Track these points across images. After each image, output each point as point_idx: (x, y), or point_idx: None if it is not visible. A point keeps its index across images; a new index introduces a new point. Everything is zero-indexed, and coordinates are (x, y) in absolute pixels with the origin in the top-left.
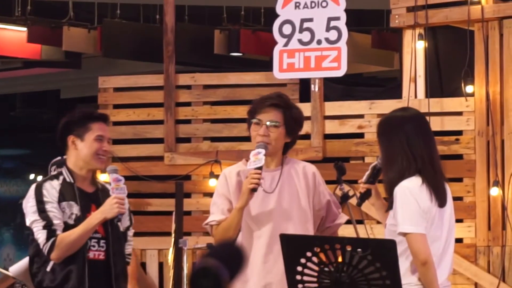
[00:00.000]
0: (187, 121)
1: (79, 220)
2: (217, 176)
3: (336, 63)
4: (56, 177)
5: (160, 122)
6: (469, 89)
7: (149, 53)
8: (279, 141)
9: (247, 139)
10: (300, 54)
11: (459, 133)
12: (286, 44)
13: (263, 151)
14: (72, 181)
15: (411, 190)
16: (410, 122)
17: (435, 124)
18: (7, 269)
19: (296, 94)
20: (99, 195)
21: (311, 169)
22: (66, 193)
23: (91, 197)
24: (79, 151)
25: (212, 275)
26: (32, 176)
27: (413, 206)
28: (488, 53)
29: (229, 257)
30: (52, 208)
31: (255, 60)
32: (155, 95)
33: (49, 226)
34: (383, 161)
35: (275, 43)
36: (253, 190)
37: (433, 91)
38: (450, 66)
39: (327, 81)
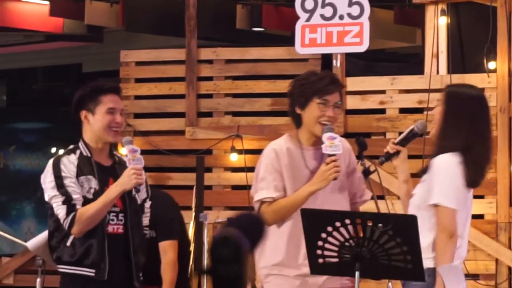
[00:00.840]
0: (209, 96)
1: (97, 194)
2: (238, 151)
3: (358, 39)
4: (73, 151)
5: (181, 96)
6: (491, 65)
7: (171, 27)
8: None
9: (269, 113)
10: (322, 29)
11: None
12: (308, 19)
13: (337, 136)
14: (89, 155)
15: (453, 165)
16: (476, 102)
17: None
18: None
19: (318, 69)
20: (116, 168)
21: (347, 145)
22: (84, 168)
23: (108, 170)
24: (92, 125)
25: (233, 244)
26: (53, 150)
27: (451, 181)
28: (510, 29)
29: (249, 226)
30: (70, 183)
31: (277, 35)
32: (177, 69)
33: (68, 201)
34: (440, 130)
35: (297, 18)
36: (335, 178)
37: (455, 67)
38: (472, 42)
39: (349, 57)
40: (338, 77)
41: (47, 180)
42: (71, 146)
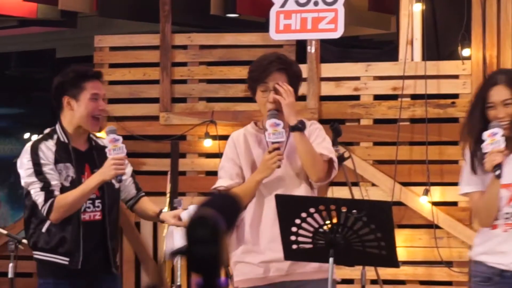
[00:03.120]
0: (183, 81)
1: (74, 182)
2: (212, 137)
3: (333, 25)
4: (50, 136)
5: (156, 82)
6: (465, 52)
7: (145, 12)
8: None
9: (243, 99)
10: (297, 15)
11: (456, 96)
12: (282, 5)
13: (281, 123)
14: (66, 141)
15: None
16: None
17: (431, 87)
18: (0, 228)
19: (293, 56)
20: (94, 153)
21: (312, 125)
22: (61, 155)
23: (85, 156)
24: (75, 111)
25: (209, 224)
26: (26, 135)
27: None
28: (485, 16)
29: (225, 206)
30: (49, 170)
31: (251, 21)
32: (151, 54)
33: (47, 188)
34: None
35: (271, 4)
36: (279, 167)
37: (429, 54)
38: (447, 29)
39: (323, 43)
40: (275, 58)
41: (24, 166)
42: (47, 130)
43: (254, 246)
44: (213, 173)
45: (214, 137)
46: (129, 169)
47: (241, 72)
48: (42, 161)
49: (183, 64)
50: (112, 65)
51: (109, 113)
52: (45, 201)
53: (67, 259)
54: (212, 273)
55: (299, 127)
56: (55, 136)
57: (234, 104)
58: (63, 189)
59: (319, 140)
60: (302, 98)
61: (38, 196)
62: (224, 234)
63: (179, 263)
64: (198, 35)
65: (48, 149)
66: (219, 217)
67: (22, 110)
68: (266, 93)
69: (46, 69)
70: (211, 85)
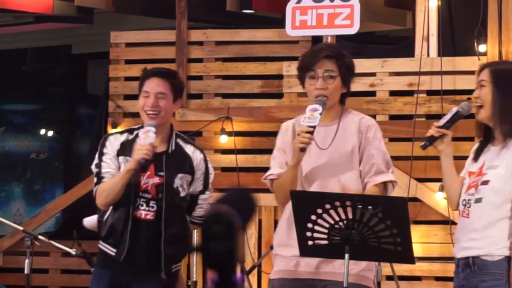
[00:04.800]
0: (199, 77)
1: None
2: (228, 133)
3: (349, 21)
4: (131, 131)
5: None
6: (481, 48)
7: (161, 8)
8: (336, 93)
9: (259, 95)
10: (313, 11)
11: (471, 92)
12: (299, 1)
13: (320, 108)
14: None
15: None
16: None
17: (447, 83)
18: (16, 224)
19: None
20: (165, 157)
21: (367, 122)
22: (127, 148)
23: (155, 155)
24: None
25: (225, 221)
26: (43, 131)
27: None
28: (501, 12)
29: (240, 202)
30: (107, 159)
31: (267, 17)
32: (167, 50)
33: (98, 175)
34: (498, 111)
35: (287, 0)
36: (302, 149)
37: (445, 49)
38: (463, 24)
39: (339, 39)
40: (325, 46)
41: (95, 156)
42: (135, 127)
43: (288, 240)
44: (229, 169)
45: (230, 133)
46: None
47: (257, 68)
48: (105, 150)
49: (199, 60)
50: (128, 61)
51: (116, 108)
52: (94, 186)
53: (115, 250)
54: (227, 270)
55: None
56: (136, 132)
57: (250, 100)
58: None
59: (374, 153)
60: None
61: (94, 182)
62: (240, 230)
63: (195, 259)
64: (214, 31)
65: (116, 140)
66: (234, 214)
67: (38, 106)
68: (314, 80)
69: (62, 65)
70: (226, 81)
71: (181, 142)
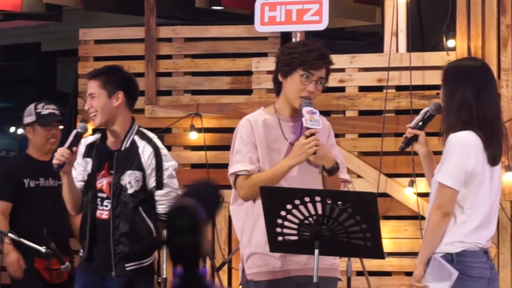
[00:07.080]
0: (168, 74)
1: (89, 177)
2: (197, 129)
3: (318, 17)
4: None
5: (141, 74)
6: (450, 43)
7: (130, 5)
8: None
9: (228, 92)
10: (282, 7)
11: (440, 87)
12: None
13: (317, 112)
14: (99, 139)
15: (465, 145)
16: (480, 73)
17: (416, 78)
18: None
19: (277, 48)
20: (117, 154)
21: (326, 122)
22: (89, 150)
23: (110, 154)
24: None
25: (189, 214)
26: (12, 129)
27: (460, 161)
28: (470, 7)
29: (205, 196)
30: (75, 164)
31: (236, 14)
32: (136, 47)
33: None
34: (445, 107)
35: None
36: (314, 153)
37: (414, 45)
38: (432, 20)
39: (308, 35)
40: (328, 53)
41: None
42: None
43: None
44: (199, 166)
45: (199, 130)
46: None
47: (226, 64)
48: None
49: (168, 57)
50: (97, 58)
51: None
52: None
53: (82, 250)
54: (192, 263)
55: (337, 168)
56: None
57: (219, 97)
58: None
59: (337, 153)
60: None
61: None
62: (205, 223)
63: (165, 256)
64: (183, 28)
65: (82, 145)
66: (199, 207)
67: (8, 104)
68: (308, 80)
69: (32, 62)
70: (196, 78)
71: (136, 139)
